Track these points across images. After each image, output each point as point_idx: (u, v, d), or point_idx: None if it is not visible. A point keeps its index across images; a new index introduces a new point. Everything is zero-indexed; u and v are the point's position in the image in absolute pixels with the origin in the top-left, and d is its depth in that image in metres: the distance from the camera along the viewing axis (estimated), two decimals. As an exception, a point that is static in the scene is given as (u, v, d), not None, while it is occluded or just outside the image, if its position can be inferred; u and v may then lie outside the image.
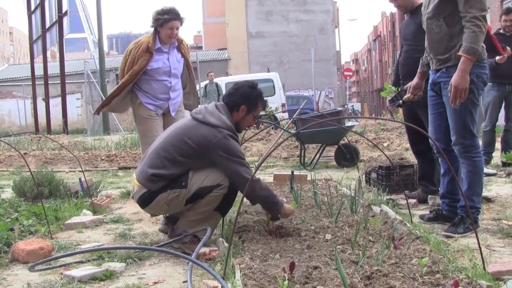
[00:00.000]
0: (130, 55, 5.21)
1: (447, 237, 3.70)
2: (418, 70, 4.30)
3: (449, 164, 3.45)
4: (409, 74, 4.57)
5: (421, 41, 4.55)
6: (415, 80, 4.30)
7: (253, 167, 8.60)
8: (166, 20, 5.10)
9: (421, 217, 4.30)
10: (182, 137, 3.56)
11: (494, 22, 30.72)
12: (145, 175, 3.58)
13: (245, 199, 3.50)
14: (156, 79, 5.25)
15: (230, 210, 4.59)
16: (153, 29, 5.25)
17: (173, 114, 5.38)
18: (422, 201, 5.03)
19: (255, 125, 3.97)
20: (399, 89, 4.87)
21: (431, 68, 4.03)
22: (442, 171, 4.13)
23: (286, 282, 2.49)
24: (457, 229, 3.76)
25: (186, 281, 2.60)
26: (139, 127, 5.43)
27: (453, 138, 3.82)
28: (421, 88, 4.29)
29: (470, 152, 3.78)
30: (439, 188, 4.28)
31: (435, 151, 4.18)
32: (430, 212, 4.35)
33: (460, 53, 3.60)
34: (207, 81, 17.44)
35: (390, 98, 4.98)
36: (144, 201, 3.62)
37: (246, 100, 3.70)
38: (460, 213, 3.86)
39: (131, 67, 5.17)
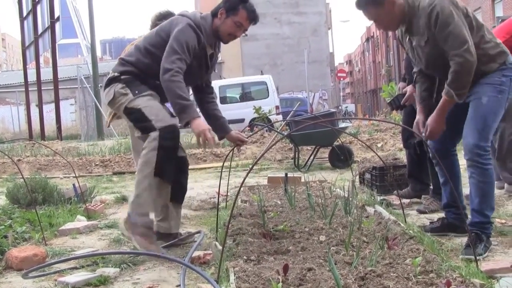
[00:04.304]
0: None
1: (468, 260, 3.15)
2: (419, 105, 3.86)
3: (446, 175, 3.35)
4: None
5: None
6: (420, 116, 3.79)
7: (246, 169, 8.62)
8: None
9: (425, 229, 3.87)
10: (157, 30, 3.66)
11: (486, 21, 30.85)
12: (117, 62, 3.77)
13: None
14: None
15: (224, 214, 4.60)
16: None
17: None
18: (411, 197, 5.08)
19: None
20: (397, 93, 4.87)
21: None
22: (441, 180, 3.85)
23: (280, 284, 2.49)
24: (477, 250, 3.23)
25: (179, 285, 2.60)
26: (130, 132, 5.42)
27: (466, 141, 3.44)
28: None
29: (481, 157, 3.35)
30: (442, 198, 3.96)
31: (431, 159, 3.86)
32: (431, 222, 4.07)
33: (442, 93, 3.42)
34: (200, 85, 17.43)
35: (389, 101, 5.00)
36: (106, 84, 3.70)
37: (224, 3, 3.61)
38: (472, 230, 3.36)
39: None
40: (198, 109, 3.77)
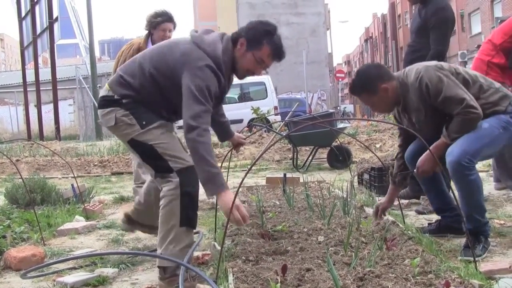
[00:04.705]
0: (122, 56, 5.21)
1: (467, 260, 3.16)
2: (392, 184, 3.93)
3: (449, 178, 3.32)
4: None
5: (421, 39, 4.49)
6: (386, 203, 3.93)
7: (245, 170, 8.62)
8: (159, 22, 5.10)
9: (423, 231, 3.79)
10: (167, 55, 3.06)
11: (484, 22, 30.86)
12: (115, 77, 3.17)
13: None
14: None
15: (222, 214, 4.59)
16: (146, 32, 5.25)
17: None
18: (409, 198, 5.09)
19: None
20: None
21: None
22: (423, 188, 3.92)
23: (278, 285, 2.49)
24: (476, 251, 3.22)
25: (178, 286, 2.60)
26: None
27: (450, 155, 3.30)
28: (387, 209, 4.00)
29: (466, 169, 3.25)
30: (432, 204, 4.04)
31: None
32: (429, 224, 4.07)
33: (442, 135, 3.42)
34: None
35: None
36: (103, 104, 3.14)
37: (247, 32, 3.05)
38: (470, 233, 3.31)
39: None
40: None
